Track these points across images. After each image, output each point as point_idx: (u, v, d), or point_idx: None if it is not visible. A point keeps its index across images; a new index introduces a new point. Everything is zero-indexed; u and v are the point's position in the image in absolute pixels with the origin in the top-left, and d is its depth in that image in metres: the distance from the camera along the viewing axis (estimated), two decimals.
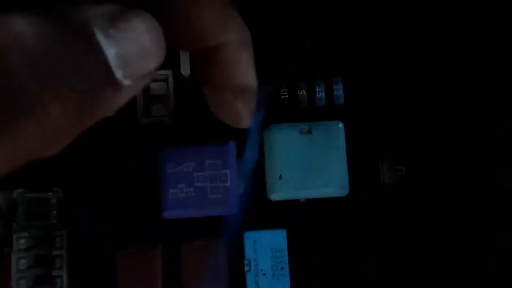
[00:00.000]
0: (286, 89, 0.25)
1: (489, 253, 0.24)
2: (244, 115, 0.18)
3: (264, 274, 0.23)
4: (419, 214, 0.25)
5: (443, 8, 0.26)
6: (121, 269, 0.21)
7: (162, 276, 0.21)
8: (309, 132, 0.22)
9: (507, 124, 0.25)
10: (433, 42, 0.25)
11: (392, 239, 0.25)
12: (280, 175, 0.22)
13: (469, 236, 0.24)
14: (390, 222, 0.24)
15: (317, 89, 0.25)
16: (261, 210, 0.24)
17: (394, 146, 0.25)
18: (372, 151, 0.25)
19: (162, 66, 0.23)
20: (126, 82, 0.12)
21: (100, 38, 0.11)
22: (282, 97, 0.24)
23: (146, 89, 0.24)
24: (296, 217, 0.24)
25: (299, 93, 0.25)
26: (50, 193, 0.24)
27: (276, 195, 0.22)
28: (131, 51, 0.12)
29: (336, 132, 0.23)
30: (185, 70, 0.23)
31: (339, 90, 0.24)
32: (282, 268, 0.23)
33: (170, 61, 0.24)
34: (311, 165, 0.22)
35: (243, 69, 0.16)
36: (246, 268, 0.23)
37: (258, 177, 0.23)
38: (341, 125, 0.23)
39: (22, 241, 0.24)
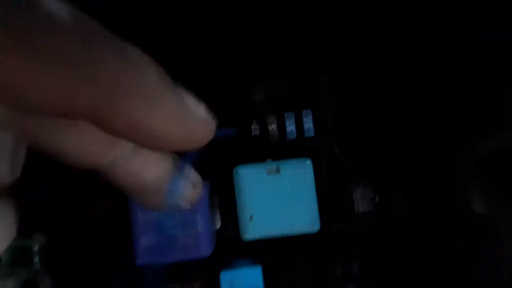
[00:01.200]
0: (257, 125, 0.25)
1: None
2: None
3: None
4: (393, 241, 0.25)
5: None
6: None
7: None
8: (277, 171, 0.23)
9: (482, 147, 0.25)
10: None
11: (366, 268, 0.25)
12: (251, 216, 0.22)
13: (445, 262, 0.25)
14: (365, 251, 0.25)
15: (287, 122, 0.25)
16: (235, 249, 0.24)
17: (367, 174, 0.25)
18: (345, 180, 0.25)
19: None
20: None
21: None
22: (253, 133, 0.25)
23: None
24: (271, 254, 0.24)
25: (269, 127, 0.25)
26: (32, 239, 0.25)
27: (248, 235, 0.23)
28: None
29: (304, 170, 0.23)
30: None
31: (308, 123, 0.25)
32: None
33: None
34: (280, 204, 0.23)
35: (141, 173, 0.15)
36: None
37: (231, 217, 0.24)
38: (309, 162, 0.23)
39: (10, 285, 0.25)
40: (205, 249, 0.22)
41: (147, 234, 0.22)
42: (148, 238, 0.22)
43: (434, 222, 0.25)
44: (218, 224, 0.25)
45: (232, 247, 0.24)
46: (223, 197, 0.24)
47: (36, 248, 0.25)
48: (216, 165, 0.24)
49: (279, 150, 0.25)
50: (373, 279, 0.25)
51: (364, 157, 0.25)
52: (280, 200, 0.23)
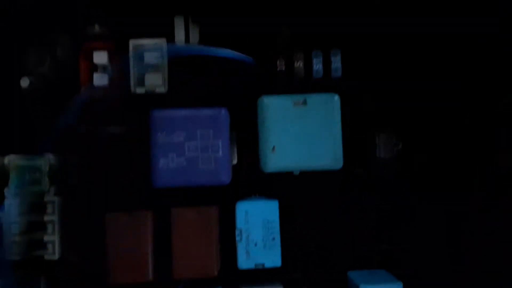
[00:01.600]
0: (283, 60, 0.24)
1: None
2: None
3: (255, 245, 0.23)
4: (413, 191, 0.25)
5: None
6: (110, 233, 0.21)
7: (153, 242, 0.21)
8: (304, 103, 0.22)
9: None
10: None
11: (383, 216, 0.25)
12: (273, 147, 0.22)
13: (463, 217, 0.25)
14: (383, 198, 0.24)
15: (314, 60, 0.24)
16: (254, 181, 0.23)
17: (392, 121, 0.25)
18: (369, 124, 0.25)
19: (156, 35, 0.23)
20: None
21: None
22: (278, 68, 0.24)
23: (140, 58, 0.23)
24: (289, 189, 0.24)
25: (295, 64, 0.24)
26: (41, 159, 0.24)
27: (270, 167, 0.22)
28: None
29: (332, 105, 0.22)
30: (180, 37, 0.23)
31: (337, 63, 0.24)
32: (274, 239, 0.23)
33: (164, 30, 0.23)
34: (304, 137, 0.22)
35: None
36: (238, 238, 0.23)
37: (252, 148, 0.23)
38: (336, 97, 0.23)
39: (14, 206, 0.24)
40: (225, 176, 0.22)
41: (166, 156, 0.21)
42: (167, 160, 0.21)
43: (455, 177, 0.25)
44: (235, 160, 0.24)
45: (250, 180, 0.24)
46: (243, 129, 0.24)
47: (46, 168, 0.24)
48: (237, 96, 0.24)
49: (304, 88, 0.24)
50: (388, 228, 0.25)
51: (391, 103, 0.25)
52: (304, 133, 0.22)
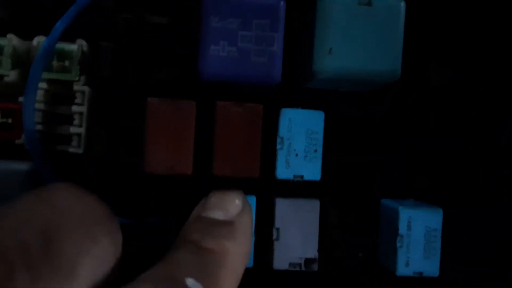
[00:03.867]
0: None
1: None
2: None
3: (296, 155, 0.22)
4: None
5: None
6: (151, 120, 0.19)
7: (194, 135, 0.20)
8: (369, 4, 0.20)
9: None
10: None
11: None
12: (330, 49, 0.20)
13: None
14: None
15: None
16: (301, 89, 0.22)
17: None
18: (428, 43, 0.23)
19: None
20: None
21: None
22: None
23: None
24: (336, 103, 0.23)
25: None
26: (74, 45, 0.22)
27: (325, 68, 0.21)
28: None
29: (398, 10, 0.21)
30: None
31: None
32: (316, 151, 0.22)
33: None
34: (364, 40, 0.20)
35: None
36: (279, 146, 0.22)
37: (304, 49, 0.22)
38: (403, 4, 0.21)
39: (40, 92, 0.22)
40: (277, 73, 0.20)
41: (217, 43, 0.19)
42: (218, 48, 0.19)
43: None
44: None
45: (295, 95, 0.22)
46: (297, 27, 0.22)
47: (77, 54, 0.22)
48: None
49: None
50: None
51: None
52: (364, 36, 0.20)
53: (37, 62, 0.19)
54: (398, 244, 0.22)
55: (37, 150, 0.20)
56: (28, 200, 0.11)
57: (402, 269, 0.22)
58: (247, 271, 0.22)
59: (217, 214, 0.16)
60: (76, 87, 0.22)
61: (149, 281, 0.11)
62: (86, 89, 0.22)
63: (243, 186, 0.21)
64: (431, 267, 0.22)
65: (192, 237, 0.14)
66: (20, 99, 0.22)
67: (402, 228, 0.22)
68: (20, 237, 0.10)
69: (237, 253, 0.14)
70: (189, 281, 0.12)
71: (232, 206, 0.16)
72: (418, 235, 0.22)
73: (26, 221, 0.10)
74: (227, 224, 0.15)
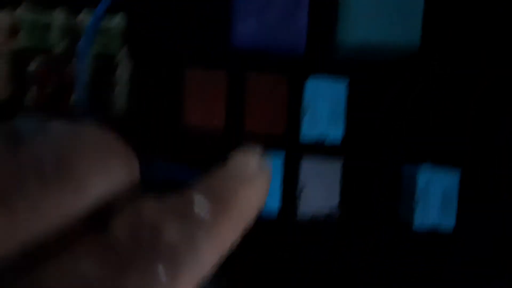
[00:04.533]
0: None
1: None
2: None
3: (320, 120, 0.23)
4: None
5: None
6: (189, 89, 0.21)
7: (226, 99, 0.22)
8: None
9: None
10: None
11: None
12: (354, 15, 0.21)
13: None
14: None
15: None
16: (328, 54, 0.23)
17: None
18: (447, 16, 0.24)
19: None
20: None
21: None
22: None
23: None
24: (361, 70, 0.24)
25: None
26: (116, 19, 0.24)
27: (348, 36, 0.22)
28: None
29: None
30: None
31: None
32: (338, 115, 0.23)
33: None
34: (387, 11, 0.21)
35: None
36: (304, 111, 0.23)
37: (330, 17, 0.23)
38: None
39: (87, 62, 0.24)
40: (301, 44, 0.21)
41: (248, 15, 0.21)
42: (248, 19, 0.21)
43: None
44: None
45: (324, 51, 0.23)
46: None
47: (119, 26, 0.24)
48: None
49: None
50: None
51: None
52: (387, 6, 0.21)
53: (86, 37, 0.21)
54: (417, 201, 0.24)
55: (88, 111, 0.22)
56: (54, 125, 0.12)
57: (419, 224, 0.24)
58: (271, 222, 0.24)
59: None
60: (118, 57, 0.24)
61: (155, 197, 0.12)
62: (127, 60, 0.24)
63: (273, 146, 0.23)
64: (446, 224, 0.24)
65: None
66: (70, 68, 0.24)
67: (421, 186, 0.24)
68: (36, 152, 0.11)
69: (248, 197, 0.14)
70: (197, 197, 0.12)
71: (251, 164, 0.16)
72: (436, 193, 0.24)
73: (45, 141, 0.11)
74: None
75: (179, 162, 0.24)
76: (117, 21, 0.24)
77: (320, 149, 0.24)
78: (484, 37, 0.24)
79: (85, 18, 0.24)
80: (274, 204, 0.24)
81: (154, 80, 0.23)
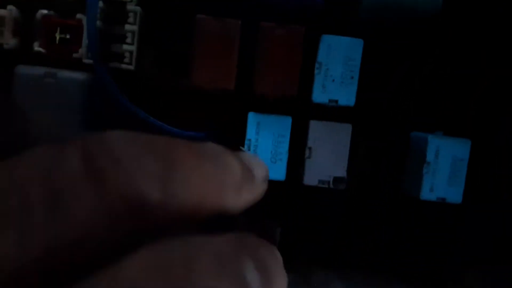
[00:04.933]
0: None
1: None
2: None
3: (333, 80, 0.23)
4: None
5: None
6: (198, 36, 0.21)
7: (238, 53, 0.21)
8: None
9: None
10: None
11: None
12: None
13: None
14: None
15: None
16: (344, 14, 0.23)
17: None
18: None
19: None
20: None
21: None
22: None
23: None
24: (380, 30, 0.23)
25: None
26: None
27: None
28: None
29: None
30: None
31: None
32: (352, 77, 0.23)
33: None
34: None
35: None
36: (317, 71, 0.23)
37: None
38: None
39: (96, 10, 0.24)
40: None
41: None
42: None
43: None
44: None
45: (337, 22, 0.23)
46: None
47: None
48: None
49: None
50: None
51: None
52: None
53: None
54: (425, 170, 0.23)
55: (99, 60, 0.22)
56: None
57: (426, 194, 0.23)
58: (279, 183, 0.23)
59: None
60: (129, 7, 0.24)
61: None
62: (138, 9, 0.24)
63: (281, 107, 0.22)
64: (454, 195, 0.23)
65: None
66: (78, 16, 0.24)
67: (430, 156, 0.23)
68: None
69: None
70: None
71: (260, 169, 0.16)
72: (445, 163, 0.23)
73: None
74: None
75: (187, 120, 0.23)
76: None
77: (330, 112, 0.24)
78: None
79: None
80: (282, 166, 0.23)
81: (164, 31, 0.23)
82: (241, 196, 0.12)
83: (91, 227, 0.09)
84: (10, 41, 0.24)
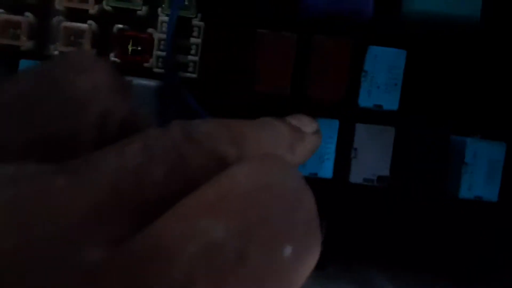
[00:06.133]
0: None
1: None
2: None
3: (378, 87, 0.25)
4: None
5: None
6: (259, 48, 0.23)
7: (294, 63, 0.24)
8: None
9: None
10: None
11: None
12: None
13: None
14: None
15: None
16: (389, 27, 0.25)
17: None
18: None
19: None
20: None
21: None
22: None
23: None
24: (422, 41, 0.25)
25: None
26: None
27: (409, 7, 0.23)
28: None
29: None
30: None
31: None
32: (396, 84, 0.25)
33: None
34: None
35: None
36: (363, 78, 0.25)
37: None
38: None
39: (164, 24, 0.27)
40: (369, 9, 0.23)
41: None
42: None
43: None
44: None
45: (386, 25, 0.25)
46: None
47: None
48: None
49: None
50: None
51: None
52: None
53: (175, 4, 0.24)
54: (463, 171, 0.25)
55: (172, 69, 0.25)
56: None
57: (465, 192, 0.25)
58: (326, 181, 0.26)
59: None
60: (194, 22, 0.27)
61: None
62: (202, 24, 0.27)
63: (331, 111, 0.25)
64: (491, 193, 0.25)
65: None
66: (149, 30, 0.27)
67: (468, 157, 0.25)
68: None
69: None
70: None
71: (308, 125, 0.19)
72: (482, 164, 0.25)
73: None
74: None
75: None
76: None
77: (375, 116, 0.26)
78: None
79: None
80: (330, 165, 0.26)
81: (225, 43, 0.25)
82: (295, 151, 0.16)
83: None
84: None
